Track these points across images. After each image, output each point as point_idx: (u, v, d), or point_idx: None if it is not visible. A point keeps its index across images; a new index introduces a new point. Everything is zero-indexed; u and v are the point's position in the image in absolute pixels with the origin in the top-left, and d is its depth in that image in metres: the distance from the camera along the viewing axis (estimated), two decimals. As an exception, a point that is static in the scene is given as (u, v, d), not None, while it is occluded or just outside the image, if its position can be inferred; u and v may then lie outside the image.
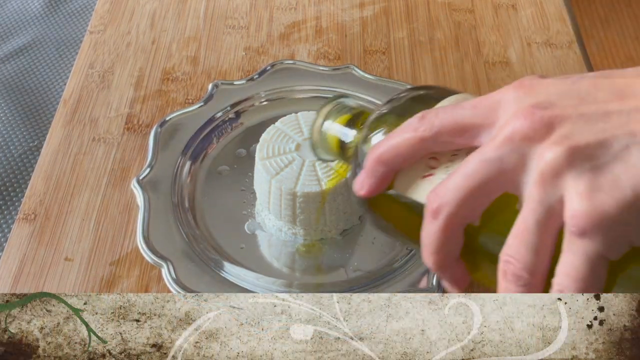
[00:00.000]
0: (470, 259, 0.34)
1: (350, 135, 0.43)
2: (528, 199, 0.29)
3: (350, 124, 0.43)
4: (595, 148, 0.28)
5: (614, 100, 0.28)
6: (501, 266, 0.30)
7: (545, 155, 0.28)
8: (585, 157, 0.28)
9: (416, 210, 0.34)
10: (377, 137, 0.37)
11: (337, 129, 0.43)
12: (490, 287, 0.32)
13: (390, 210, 0.37)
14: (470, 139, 0.32)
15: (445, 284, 0.35)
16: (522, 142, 0.29)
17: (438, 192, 0.31)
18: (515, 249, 0.29)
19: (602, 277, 0.28)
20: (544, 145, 0.29)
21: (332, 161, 0.48)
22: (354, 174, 0.38)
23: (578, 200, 0.27)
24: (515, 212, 0.30)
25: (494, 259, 0.31)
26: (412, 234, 0.35)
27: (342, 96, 0.45)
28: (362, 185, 0.36)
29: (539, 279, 0.29)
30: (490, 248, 0.32)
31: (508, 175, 0.30)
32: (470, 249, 0.33)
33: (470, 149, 0.32)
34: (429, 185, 0.34)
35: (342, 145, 0.43)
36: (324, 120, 0.44)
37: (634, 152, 0.27)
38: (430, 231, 0.32)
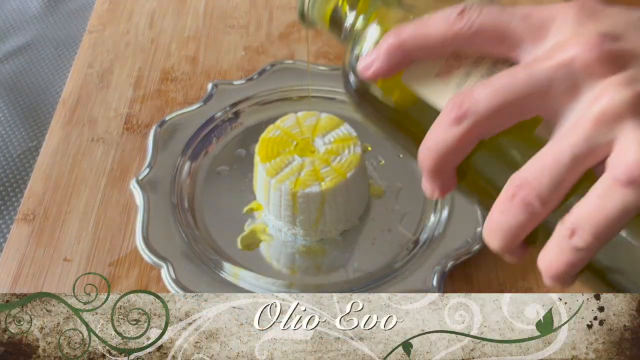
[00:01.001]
0: (462, 170, 0.32)
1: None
2: (571, 132, 0.27)
3: None
4: None
5: None
6: (509, 188, 0.28)
7: (610, 94, 0.26)
8: None
9: (418, 107, 0.31)
10: (395, 19, 0.33)
11: None
12: (467, 198, 0.31)
13: (387, 100, 0.34)
14: (507, 50, 0.29)
15: (427, 187, 0.32)
16: (581, 72, 0.27)
17: (469, 96, 0.28)
18: (536, 176, 0.27)
19: (621, 229, 0.27)
20: (606, 82, 0.26)
21: (316, 28, 0.41)
22: (356, 50, 0.34)
23: (636, 149, 0.25)
24: (530, 137, 0.29)
25: (486, 176, 0.30)
26: (405, 130, 0.32)
27: None
28: (369, 65, 0.32)
29: (547, 212, 0.28)
30: (487, 164, 0.30)
31: (551, 100, 0.28)
32: (467, 161, 0.31)
33: (498, 60, 0.30)
34: (443, 87, 0.31)
35: (334, 12, 0.37)
36: None
37: None
38: (443, 135, 0.29)
